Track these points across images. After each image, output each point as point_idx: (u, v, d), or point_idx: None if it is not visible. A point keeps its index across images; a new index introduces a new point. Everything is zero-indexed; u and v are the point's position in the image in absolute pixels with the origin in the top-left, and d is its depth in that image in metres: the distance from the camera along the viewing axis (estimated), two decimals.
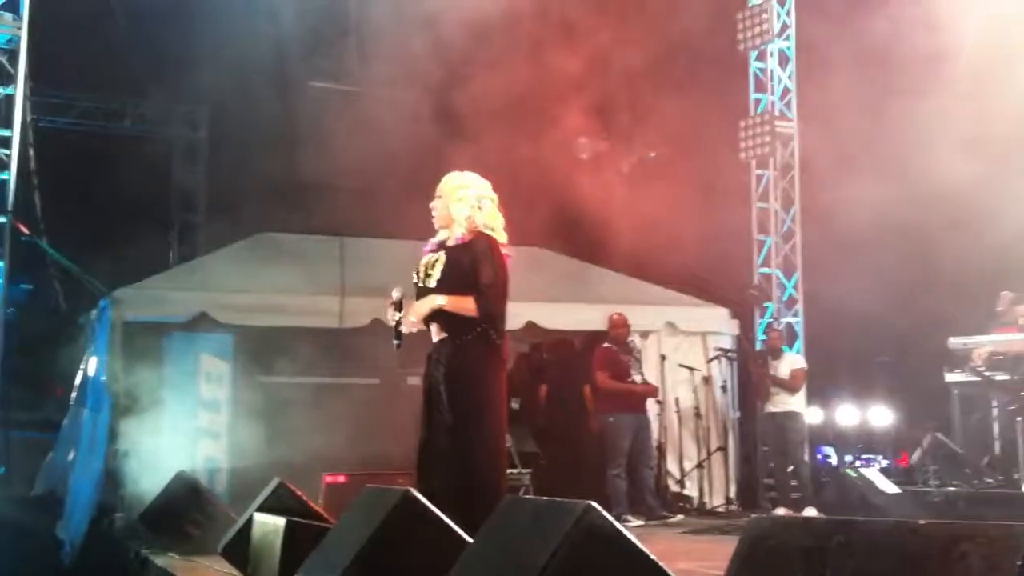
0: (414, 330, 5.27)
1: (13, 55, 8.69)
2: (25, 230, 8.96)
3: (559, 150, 10.16)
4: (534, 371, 11.40)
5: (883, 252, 11.11)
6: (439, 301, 5.09)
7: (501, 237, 5.27)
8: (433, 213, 5.34)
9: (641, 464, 9.48)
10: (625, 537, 2.78)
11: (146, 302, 9.09)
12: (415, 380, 9.37)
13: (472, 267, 5.11)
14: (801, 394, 10.13)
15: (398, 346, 5.26)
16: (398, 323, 5.25)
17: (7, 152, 8.50)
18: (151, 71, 10.40)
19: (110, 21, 10.28)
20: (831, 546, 2.00)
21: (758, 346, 12.07)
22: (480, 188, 5.32)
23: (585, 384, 10.02)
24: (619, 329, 9.77)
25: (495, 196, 5.34)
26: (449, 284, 5.14)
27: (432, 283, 5.19)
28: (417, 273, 5.31)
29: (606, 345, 9.71)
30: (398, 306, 5.25)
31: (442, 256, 5.22)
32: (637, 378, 9.73)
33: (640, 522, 8.98)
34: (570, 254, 11.70)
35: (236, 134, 11.05)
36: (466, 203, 5.22)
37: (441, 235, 5.35)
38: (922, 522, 1.94)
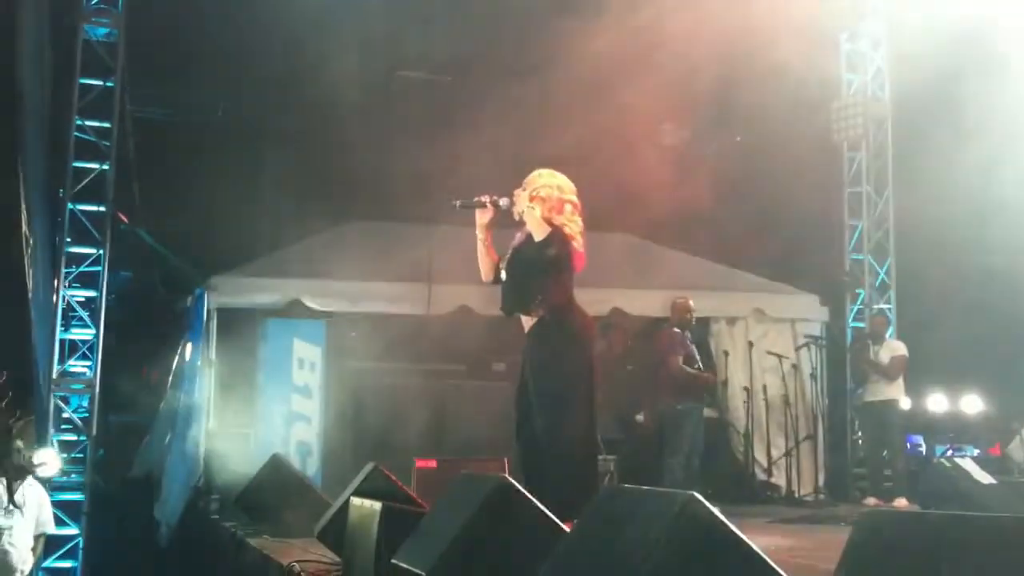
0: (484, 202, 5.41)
1: (112, 48, 8.89)
2: (124, 219, 9.21)
3: (644, 136, 10.05)
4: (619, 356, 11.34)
5: (978, 237, 10.82)
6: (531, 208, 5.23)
7: (576, 242, 5.31)
8: (514, 201, 5.37)
9: (694, 454, 9.12)
10: (728, 527, 2.76)
11: (241, 289, 9.30)
12: (500, 366, 9.49)
13: (537, 255, 5.22)
14: (900, 382, 9.89)
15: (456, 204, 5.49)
16: (476, 202, 5.42)
17: (107, 143, 8.71)
18: (242, 62, 10.56)
19: (202, 14, 10.46)
20: (947, 542, 1.97)
21: (848, 333, 11.87)
22: (567, 193, 5.39)
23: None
24: (685, 313, 9.33)
25: (577, 202, 5.40)
26: (514, 277, 5.32)
27: (504, 276, 5.40)
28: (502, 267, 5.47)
29: (675, 329, 9.31)
30: (495, 204, 5.40)
31: (510, 253, 5.41)
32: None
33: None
34: (656, 240, 11.61)
35: (325, 123, 11.17)
36: (550, 203, 5.30)
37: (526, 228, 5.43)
38: None
